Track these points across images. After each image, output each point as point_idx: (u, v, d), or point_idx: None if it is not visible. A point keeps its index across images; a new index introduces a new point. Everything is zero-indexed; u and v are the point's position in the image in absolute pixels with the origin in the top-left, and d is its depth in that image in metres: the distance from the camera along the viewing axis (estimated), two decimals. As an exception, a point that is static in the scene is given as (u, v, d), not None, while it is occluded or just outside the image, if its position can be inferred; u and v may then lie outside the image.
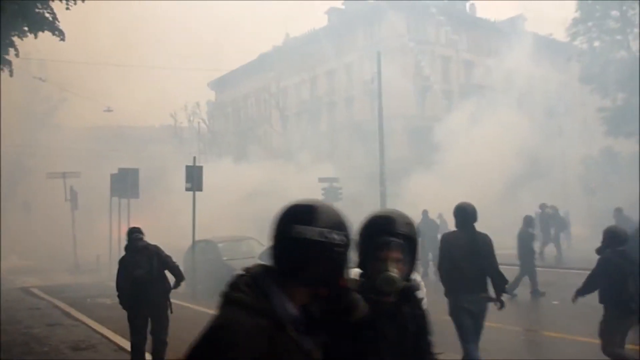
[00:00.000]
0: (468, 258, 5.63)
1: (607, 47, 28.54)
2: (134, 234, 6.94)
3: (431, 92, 38.97)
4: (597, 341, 8.01)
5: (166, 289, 6.81)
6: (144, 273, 6.59)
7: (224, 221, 22.78)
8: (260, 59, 46.66)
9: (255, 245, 15.01)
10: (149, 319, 6.74)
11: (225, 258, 14.22)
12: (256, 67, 45.89)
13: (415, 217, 22.34)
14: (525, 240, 13.19)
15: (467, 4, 44.94)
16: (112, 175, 20.26)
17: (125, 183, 19.30)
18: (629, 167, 24.38)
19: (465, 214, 5.80)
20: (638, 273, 5.73)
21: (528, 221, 13.46)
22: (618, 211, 16.54)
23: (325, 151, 34.36)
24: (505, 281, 6.07)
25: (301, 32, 46.04)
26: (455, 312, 5.79)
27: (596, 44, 29.40)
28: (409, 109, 37.23)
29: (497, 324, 9.48)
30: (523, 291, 13.14)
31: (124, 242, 19.00)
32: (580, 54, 30.00)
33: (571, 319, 9.68)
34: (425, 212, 18.27)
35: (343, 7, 44.32)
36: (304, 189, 26.39)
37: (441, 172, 25.71)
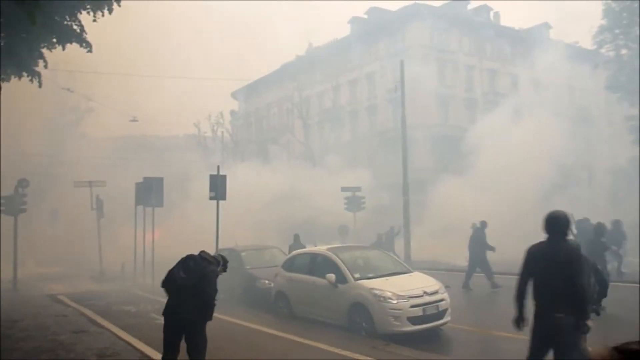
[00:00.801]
0: (554, 272, 5.22)
1: (635, 54, 28.05)
2: (218, 254, 6.93)
3: (454, 101, 38.73)
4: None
5: (205, 306, 6.31)
6: (181, 278, 6.27)
7: (246, 229, 22.89)
8: (283, 69, 46.95)
9: (277, 255, 15.08)
10: (183, 337, 6.36)
11: (248, 267, 14.29)
12: (279, 77, 46.19)
13: (446, 227, 22.24)
14: (597, 252, 12.28)
15: (491, 13, 44.63)
16: (137, 184, 20.50)
17: (150, 192, 19.50)
18: None
19: (557, 223, 5.43)
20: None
21: (600, 230, 12.53)
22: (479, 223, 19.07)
23: (348, 160, 34.30)
24: (590, 300, 5.80)
25: (324, 42, 46.29)
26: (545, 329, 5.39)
27: (623, 51, 28.91)
28: (432, 117, 37.03)
29: (508, 333, 9.32)
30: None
31: (148, 251, 19.20)
32: (607, 62, 29.53)
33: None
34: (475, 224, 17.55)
35: (366, 16, 44.41)
36: (327, 197, 26.48)
37: (467, 182, 25.48)
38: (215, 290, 6.40)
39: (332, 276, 10.27)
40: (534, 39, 39.88)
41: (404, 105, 24.52)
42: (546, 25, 44.23)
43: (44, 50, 11.40)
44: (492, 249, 15.60)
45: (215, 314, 11.64)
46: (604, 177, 29.35)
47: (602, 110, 34.96)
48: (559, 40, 37.85)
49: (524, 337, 9.15)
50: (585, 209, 22.58)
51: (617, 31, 28.62)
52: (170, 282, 6.38)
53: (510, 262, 19.49)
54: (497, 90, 40.09)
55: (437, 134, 36.00)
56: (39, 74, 11.52)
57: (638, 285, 12.69)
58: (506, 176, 24.12)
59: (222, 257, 6.77)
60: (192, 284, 6.20)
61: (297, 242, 19.20)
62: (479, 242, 15.75)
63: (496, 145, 25.98)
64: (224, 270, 6.67)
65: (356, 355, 8.00)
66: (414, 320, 9.36)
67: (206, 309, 6.29)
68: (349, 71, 41.84)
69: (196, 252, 6.67)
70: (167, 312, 6.33)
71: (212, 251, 15.00)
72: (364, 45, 41.14)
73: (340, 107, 41.46)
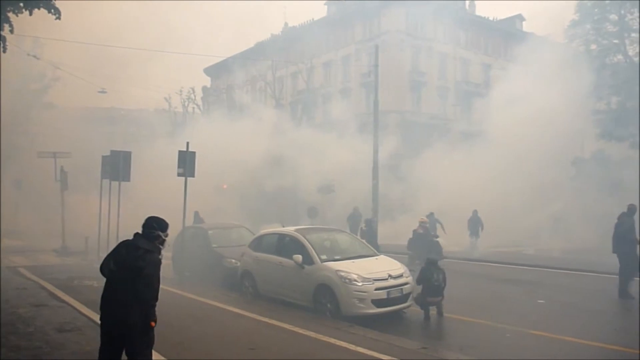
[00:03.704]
0: None
1: (604, 50, 28.58)
2: (157, 233, 5.40)
3: (427, 88, 38.99)
4: (582, 341, 8.14)
5: (144, 308, 5.13)
6: (110, 270, 5.25)
7: (213, 202, 22.83)
8: (257, 47, 46.43)
9: (245, 234, 15.00)
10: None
11: (215, 245, 14.20)
12: (253, 55, 45.66)
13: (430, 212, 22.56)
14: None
15: (467, 2, 44.84)
16: (104, 157, 20.07)
17: (117, 165, 19.11)
18: (620, 170, 24.44)
19: None
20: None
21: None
22: (431, 214, 20.72)
23: (319, 142, 34.30)
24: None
25: (300, 22, 45.94)
26: None
27: (593, 46, 29.40)
28: (405, 104, 37.23)
29: (485, 321, 9.57)
30: (510, 289, 13.24)
31: (113, 225, 18.94)
32: (577, 56, 30.00)
33: (557, 318, 9.79)
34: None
35: (343, -2, 44.12)
36: (298, 180, 26.52)
37: (448, 168, 25.82)
38: (156, 286, 5.18)
39: (298, 257, 10.31)
40: (507, 31, 40.29)
41: (377, 90, 24.54)
42: (519, 17, 44.71)
43: (10, 14, 10.98)
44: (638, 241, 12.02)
45: (181, 292, 11.63)
46: (569, 168, 29.88)
47: (570, 103, 35.50)
48: (531, 32, 38.32)
49: (483, 321, 9.44)
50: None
51: (588, 26, 29.07)
52: (103, 274, 5.35)
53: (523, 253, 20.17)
54: (469, 80, 40.48)
55: (409, 120, 36.22)
56: (3, 39, 11.11)
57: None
58: (489, 163, 24.60)
59: (160, 235, 5.40)
60: (125, 279, 5.10)
61: (197, 219, 20.02)
62: (628, 233, 11.94)
63: (467, 135, 26.43)
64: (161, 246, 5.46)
65: (320, 336, 8.07)
66: (378, 302, 9.48)
67: (145, 311, 5.14)
68: (324, 53, 41.65)
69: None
70: (103, 306, 5.31)
71: (179, 228, 14.92)
72: (340, 28, 40.95)
73: (314, 89, 41.29)
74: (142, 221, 5.49)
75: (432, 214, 21.63)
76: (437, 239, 18.43)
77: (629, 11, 27.34)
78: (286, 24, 48.35)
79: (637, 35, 27.33)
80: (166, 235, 5.47)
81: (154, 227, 5.41)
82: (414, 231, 18.40)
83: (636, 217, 12.21)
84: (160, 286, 5.31)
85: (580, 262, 17.11)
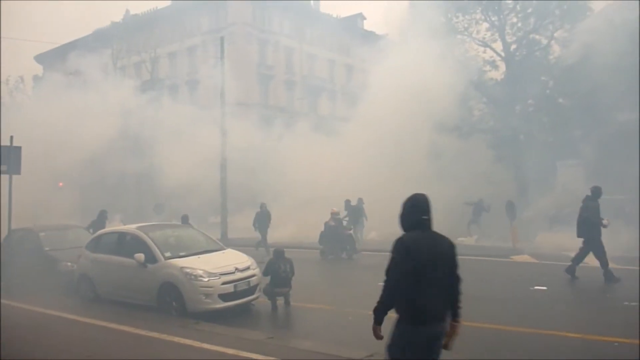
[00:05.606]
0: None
1: (435, 50, 30.97)
2: None
3: (274, 82, 39.45)
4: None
5: None
6: None
7: (47, 208, 21.04)
8: (96, 35, 43.37)
9: (82, 234, 14.00)
10: None
11: (47, 249, 13.06)
12: (91, 43, 42.56)
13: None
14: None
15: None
16: None
17: None
18: (454, 160, 26.74)
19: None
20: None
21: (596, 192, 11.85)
22: (347, 202, 20.34)
23: (167, 136, 33.11)
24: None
25: (142, 10, 43.85)
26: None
27: (428, 47, 31.71)
28: (253, 96, 37.31)
29: (330, 306, 9.95)
30: (358, 274, 13.91)
31: None
32: (415, 54, 32.15)
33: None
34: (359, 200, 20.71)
35: (188, -13, 42.89)
36: (147, 175, 25.39)
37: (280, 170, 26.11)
38: None
39: (140, 256, 9.87)
40: (349, 28, 42.05)
41: (224, 82, 24.42)
42: (361, 17, 46.99)
43: None
44: (604, 225, 11.68)
45: (7, 302, 10.52)
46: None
47: (412, 99, 37.91)
48: (371, 31, 40.48)
49: (328, 307, 9.84)
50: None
51: (420, 26, 31.29)
52: None
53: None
54: (315, 74, 41.68)
55: (258, 112, 36.35)
56: None
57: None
58: (353, 154, 25.28)
59: None
60: None
61: (101, 219, 17.22)
62: (593, 217, 11.65)
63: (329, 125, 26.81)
64: None
65: (164, 336, 7.83)
66: (225, 297, 9.42)
67: None
68: (168, 43, 40.22)
69: None
70: None
71: (4, 233, 13.52)
72: (186, 18, 39.86)
73: (159, 80, 39.73)
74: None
75: (348, 201, 20.43)
76: (350, 232, 17.64)
77: (454, 15, 30.01)
78: (128, 10, 45.80)
79: (462, 37, 30.22)
80: None
81: None
82: (326, 223, 17.34)
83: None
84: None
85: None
